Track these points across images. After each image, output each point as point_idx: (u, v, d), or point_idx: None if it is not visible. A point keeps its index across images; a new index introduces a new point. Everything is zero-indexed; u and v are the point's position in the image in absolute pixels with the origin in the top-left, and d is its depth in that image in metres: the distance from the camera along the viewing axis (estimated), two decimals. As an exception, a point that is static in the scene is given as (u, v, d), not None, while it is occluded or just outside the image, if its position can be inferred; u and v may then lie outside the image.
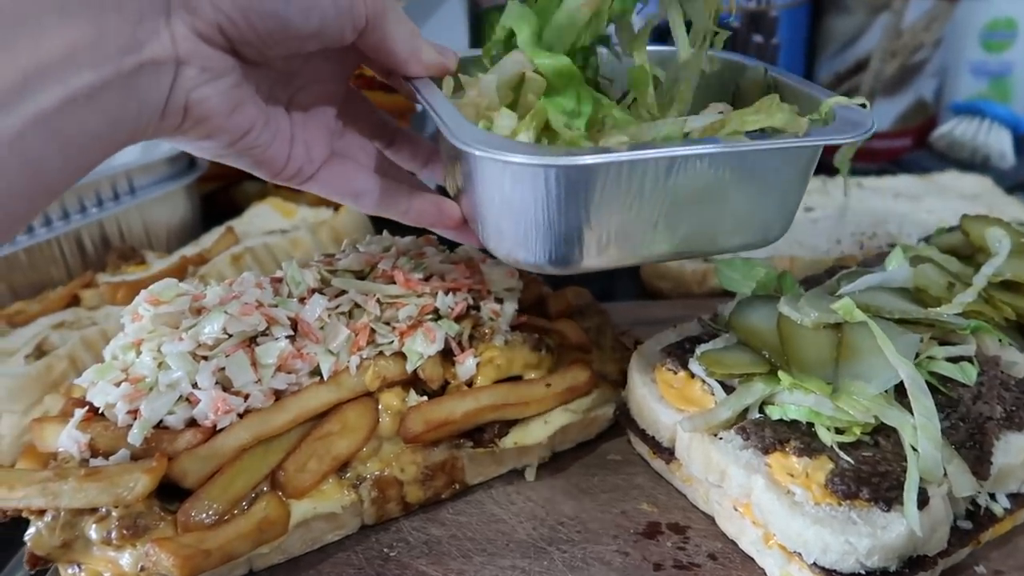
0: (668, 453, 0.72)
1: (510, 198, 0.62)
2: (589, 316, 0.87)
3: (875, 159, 1.55)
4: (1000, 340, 0.69)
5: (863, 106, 0.66)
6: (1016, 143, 1.50)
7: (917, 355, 0.66)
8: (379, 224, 1.31)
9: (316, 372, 0.71)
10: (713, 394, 0.70)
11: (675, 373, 0.73)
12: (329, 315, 0.73)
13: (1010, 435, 0.65)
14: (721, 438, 0.67)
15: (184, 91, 0.56)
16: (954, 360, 0.67)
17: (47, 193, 0.51)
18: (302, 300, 0.74)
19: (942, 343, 0.69)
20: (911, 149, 1.57)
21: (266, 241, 1.11)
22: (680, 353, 0.74)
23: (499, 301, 0.81)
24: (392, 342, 0.73)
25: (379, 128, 0.77)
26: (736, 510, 0.66)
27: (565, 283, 0.93)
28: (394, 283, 0.76)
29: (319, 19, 0.58)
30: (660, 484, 0.75)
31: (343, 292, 0.75)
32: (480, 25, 1.58)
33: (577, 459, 0.79)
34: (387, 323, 0.75)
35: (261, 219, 1.27)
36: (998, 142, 1.46)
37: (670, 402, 0.72)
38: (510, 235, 0.64)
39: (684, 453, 0.69)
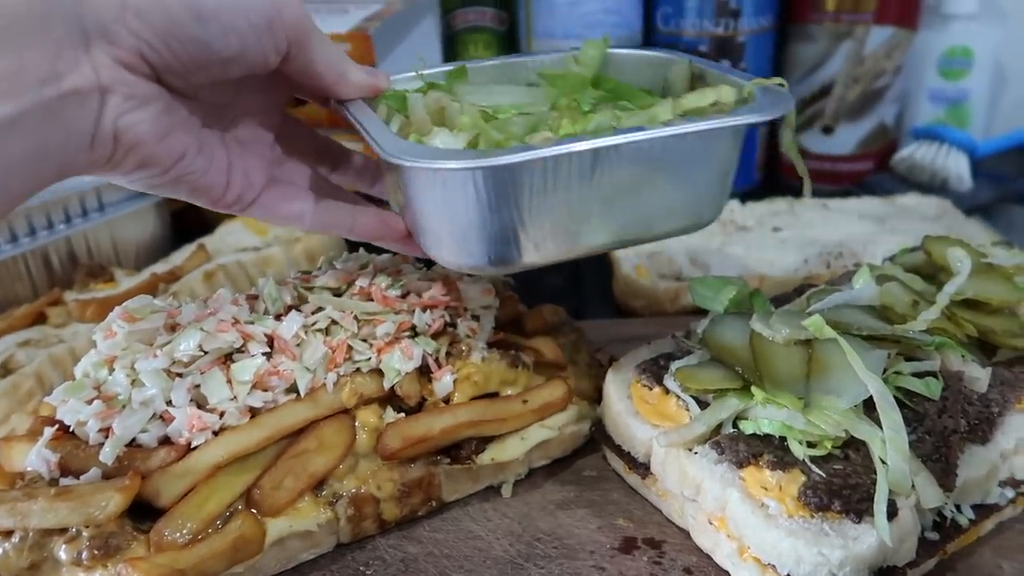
0: (643, 468, 0.73)
1: (443, 204, 0.63)
2: (564, 333, 0.88)
3: (839, 181, 1.59)
4: (963, 356, 0.71)
5: (781, 85, 0.68)
6: (973, 167, 1.55)
7: (884, 370, 0.68)
8: (353, 242, 1.31)
9: (293, 389, 0.71)
10: (688, 409, 0.71)
11: (650, 389, 0.74)
12: (306, 332, 0.73)
13: (974, 448, 0.67)
14: (696, 452, 0.68)
15: (111, 119, 0.56)
16: (920, 375, 0.69)
17: None
18: (279, 317, 0.74)
19: (908, 359, 0.71)
20: (873, 172, 1.61)
21: (239, 258, 1.11)
22: (655, 369, 0.76)
23: (476, 318, 0.81)
24: (369, 359, 0.73)
25: (322, 153, 0.78)
26: (711, 524, 0.67)
27: (540, 300, 0.94)
28: (371, 300, 0.76)
29: (238, 42, 0.59)
30: (635, 499, 0.76)
31: (320, 309, 0.75)
32: (453, 47, 1.60)
33: (553, 475, 0.80)
34: (364, 340, 0.75)
35: (233, 236, 1.26)
36: (956, 166, 1.51)
37: (645, 418, 0.73)
38: (448, 241, 0.66)
39: (659, 468, 0.70)
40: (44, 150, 0.52)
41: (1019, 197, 1.57)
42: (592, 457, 0.82)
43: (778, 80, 0.68)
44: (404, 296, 0.78)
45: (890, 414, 0.62)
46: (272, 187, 0.71)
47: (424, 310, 0.77)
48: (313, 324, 0.74)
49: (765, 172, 1.63)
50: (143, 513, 0.64)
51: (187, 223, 1.47)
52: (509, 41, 1.60)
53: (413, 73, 0.78)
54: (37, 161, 0.53)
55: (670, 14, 1.50)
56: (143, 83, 0.57)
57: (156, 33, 0.55)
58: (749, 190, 1.54)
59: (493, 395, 0.78)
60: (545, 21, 1.51)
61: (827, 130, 1.59)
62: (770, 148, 1.62)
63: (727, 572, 0.66)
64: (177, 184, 0.63)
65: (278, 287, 0.76)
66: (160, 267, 1.14)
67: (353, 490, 0.70)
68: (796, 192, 1.39)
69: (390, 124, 0.70)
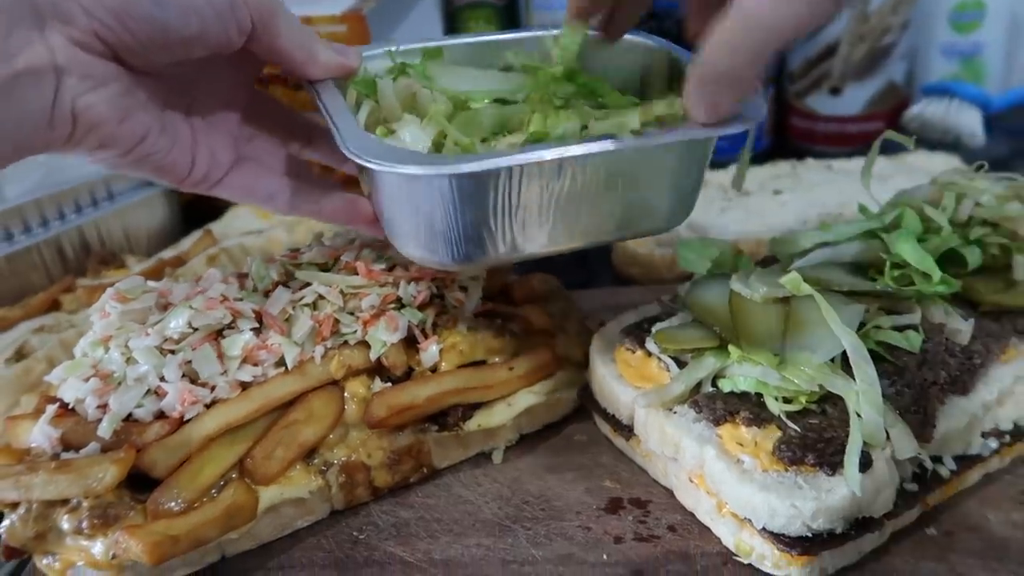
0: (628, 430, 0.74)
1: (406, 205, 0.63)
2: (554, 301, 0.89)
3: (849, 143, 1.57)
4: (945, 309, 0.70)
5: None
6: (987, 122, 1.51)
7: (864, 325, 0.68)
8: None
9: (281, 363, 0.73)
10: (669, 371, 0.71)
11: (633, 352, 0.75)
12: (293, 307, 0.75)
13: (955, 399, 0.67)
14: (676, 412, 0.69)
15: (69, 99, 0.56)
16: (900, 329, 0.68)
17: None
18: (266, 293, 0.76)
19: (889, 313, 0.70)
20: (883, 131, 1.58)
21: (242, 241, 1.13)
22: (638, 333, 0.76)
23: (463, 289, 0.82)
24: (356, 331, 0.75)
25: (293, 129, 0.76)
26: (691, 481, 0.67)
27: (532, 269, 0.95)
28: (357, 274, 0.78)
29: (198, 23, 0.58)
30: (623, 462, 0.77)
31: (307, 284, 0.77)
32: (454, 23, 1.60)
33: (543, 441, 0.81)
34: (351, 313, 0.76)
35: (240, 221, 1.29)
36: (968, 122, 1.48)
37: (628, 380, 0.74)
38: (412, 238, 0.65)
39: (642, 429, 0.71)
40: (1, 130, 0.53)
41: (1036, 151, 1.53)
42: (583, 423, 0.83)
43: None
44: (391, 269, 0.80)
45: (863, 368, 0.62)
46: (240, 166, 0.70)
47: (410, 282, 0.79)
48: (300, 299, 0.76)
49: (773, 136, 1.61)
50: (141, 484, 0.66)
51: (198, 210, 1.50)
52: (509, 15, 1.60)
53: (385, 49, 0.77)
54: None
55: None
56: (100, 63, 0.57)
57: (111, 13, 0.55)
58: (756, 154, 1.52)
59: (480, 363, 0.79)
60: (543, 7, 1.50)
61: (834, 91, 1.56)
62: (778, 111, 1.60)
63: (709, 528, 0.67)
64: (140, 163, 0.63)
65: (266, 264, 0.78)
66: (169, 253, 1.17)
67: (344, 458, 0.72)
68: (804, 155, 1.38)
69: (360, 109, 0.69)
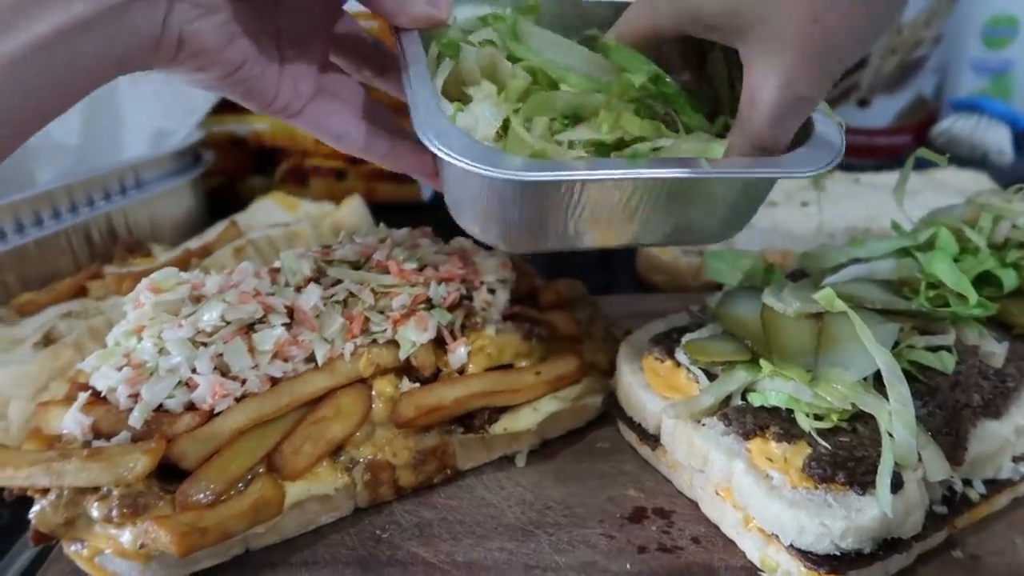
0: (654, 440, 0.74)
1: (468, 190, 0.65)
2: (580, 307, 0.89)
3: (875, 156, 1.56)
4: (980, 331, 0.70)
5: (840, 124, 0.66)
6: (1016, 139, 1.50)
7: (897, 344, 0.68)
8: (380, 217, 1.33)
9: (311, 359, 0.73)
10: (698, 382, 0.71)
11: (662, 362, 0.74)
12: (324, 304, 0.75)
13: (987, 423, 0.66)
14: (704, 424, 0.69)
15: (178, 25, 0.57)
16: (933, 349, 0.68)
17: (37, 118, 0.53)
18: (298, 289, 0.77)
19: (923, 333, 0.70)
20: (911, 145, 1.58)
21: (268, 233, 1.14)
22: (667, 342, 0.76)
23: (492, 291, 0.82)
24: (386, 330, 0.75)
25: (370, 55, 0.76)
26: (718, 494, 0.67)
27: (563, 275, 0.95)
28: (388, 273, 0.78)
29: None
30: (647, 471, 0.77)
31: (339, 281, 0.77)
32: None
33: (567, 446, 0.81)
34: (381, 312, 0.77)
35: (264, 213, 1.30)
36: (997, 138, 1.47)
37: (656, 390, 0.74)
38: (468, 214, 0.67)
39: (669, 439, 0.71)
40: (110, 50, 0.54)
41: (1064, 170, 1.52)
42: (607, 429, 0.83)
43: (837, 119, 0.66)
44: (421, 269, 0.80)
45: (897, 387, 0.61)
46: (319, 99, 0.71)
47: (440, 283, 0.79)
48: (331, 296, 0.76)
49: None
50: (170, 475, 0.67)
51: (222, 200, 1.51)
52: None
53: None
54: (101, 60, 0.54)
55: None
56: None
57: None
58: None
59: (507, 367, 0.80)
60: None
61: (863, 103, 1.56)
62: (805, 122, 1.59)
63: (733, 542, 0.67)
64: (233, 87, 0.64)
65: (298, 260, 0.79)
66: (194, 243, 1.18)
67: (370, 457, 0.72)
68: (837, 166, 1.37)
69: (440, 66, 0.68)
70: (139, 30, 0.55)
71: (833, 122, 0.65)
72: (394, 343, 0.75)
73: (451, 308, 0.79)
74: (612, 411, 0.79)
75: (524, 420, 0.78)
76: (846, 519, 0.59)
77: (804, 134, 0.64)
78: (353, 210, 1.23)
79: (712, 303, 0.79)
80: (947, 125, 1.51)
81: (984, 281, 0.73)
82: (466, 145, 0.59)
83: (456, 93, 0.67)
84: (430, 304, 0.78)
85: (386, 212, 1.51)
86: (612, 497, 0.74)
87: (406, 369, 0.76)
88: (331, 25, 0.72)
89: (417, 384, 0.76)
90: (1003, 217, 0.77)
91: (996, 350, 0.69)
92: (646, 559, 0.67)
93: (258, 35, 0.64)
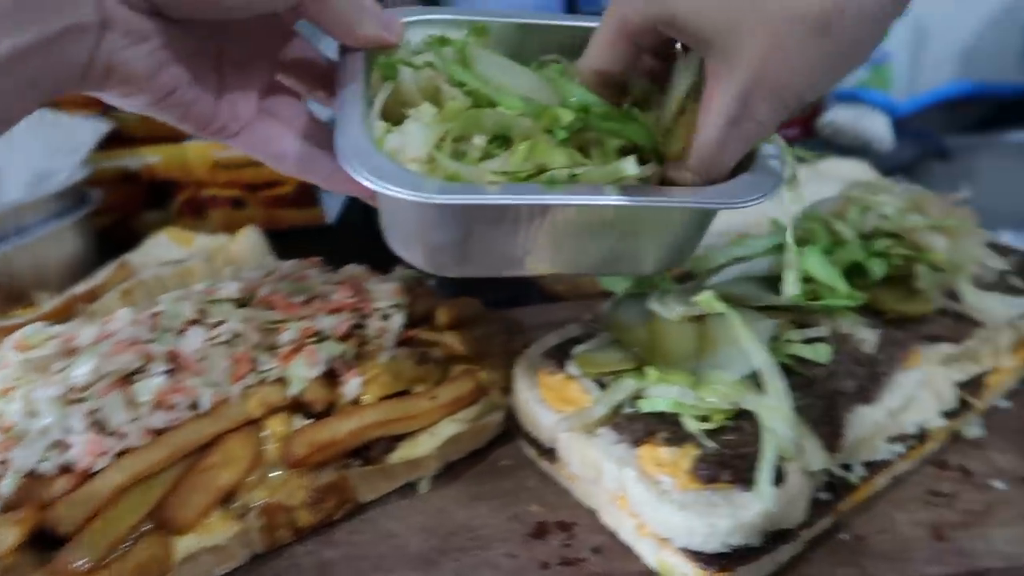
0: (552, 454, 0.74)
1: (390, 211, 0.65)
2: (479, 325, 0.89)
3: (766, 150, 1.61)
4: (853, 320, 0.73)
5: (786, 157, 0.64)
6: (895, 127, 1.57)
7: (776, 339, 0.70)
8: (283, 244, 1.31)
9: (197, 405, 0.71)
10: (590, 393, 0.72)
11: (554, 375, 0.75)
12: (209, 346, 0.73)
13: (862, 408, 0.69)
14: (597, 435, 0.69)
15: (106, 55, 0.55)
16: (810, 341, 0.70)
17: None
18: (180, 333, 0.74)
19: (801, 326, 0.72)
20: (800, 138, 1.63)
21: (159, 273, 1.10)
22: (560, 355, 0.77)
23: (386, 318, 0.82)
24: (273, 368, 0.74)
25: (324, 77, 0.73)
26: (614, 503, 0.68)
27: (465, 290, 0.94)
28: (274, 309, 0.76)
29: None
30: (549, 485, 0.77)
31: (223, 321, 0.75)
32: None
33: (470, 467, 0.81)
34: (270, 349, 0.75)
35: (159, 250, 1.25)
36: (876, 127, 1.54)
37: (551, 404, 0.74)
38: (395, 237, 0.67)
39: (565, 452, 0.72)
40: (37, 82, 0.52)
41: (941, 153, 1.61)
42: (510, 446, 0.83)
43: (782, 144, 0.64)
44: (309, 301, 0.79)
45: (774, 383, 0.63)
46: (259, 122, 0.68)
47: (329, 314, 0.77)
48: (215, 338, 0.74)
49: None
50: (50, 543, 0.64)
51: (115, 239, 1.45)
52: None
53: (430, 17, 0.72)
54: (26, 92, 0.52)
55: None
56: (142, 19, 0.56)
57: None
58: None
59: (405, 393, 0.79)
60: (462, 6, 1.50)
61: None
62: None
63: (632, 549, 0.68)
64: (165, 112, 0.62)
65: (178, 303, 0.76)
66: (81, 287, 1.13)
67: (264, 501, 0.70)
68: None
69: (381, 89, 0.67)
70: (68, 60, 0.53)
71: (778, 149, 0.64)
72: (284, 381, 0.74)
73: (343, 339, 0.78)
74: (512, 428, 0.80)
75: (422, 446, 0.77)
76: (732, 517, 0.60)
77: (748, 161, 0.63)
78: (248, 241, 1.19)
79: (605, 312, 0.80)
80: (831, 117, 1.57)
81: (855, 271, 0.76)
82: (382, 166, 0.58)
83: (397, 115, 0.66)
84: (320, 337, 0.77)
85: (290, 239, 1.48)
86: (515, 515, 0.74)
87: (298, 406, 0.75)
88: (278, 48, 0.70)
89: (311, 420, 0.74)
90: (870, 208, 0.80)
91: (868, 337, 0.72)
92: (549, 575, 0.67)
93: (194, 60, 0.62)
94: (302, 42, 0.73)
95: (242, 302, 0.79)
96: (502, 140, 0.66)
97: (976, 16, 1.75)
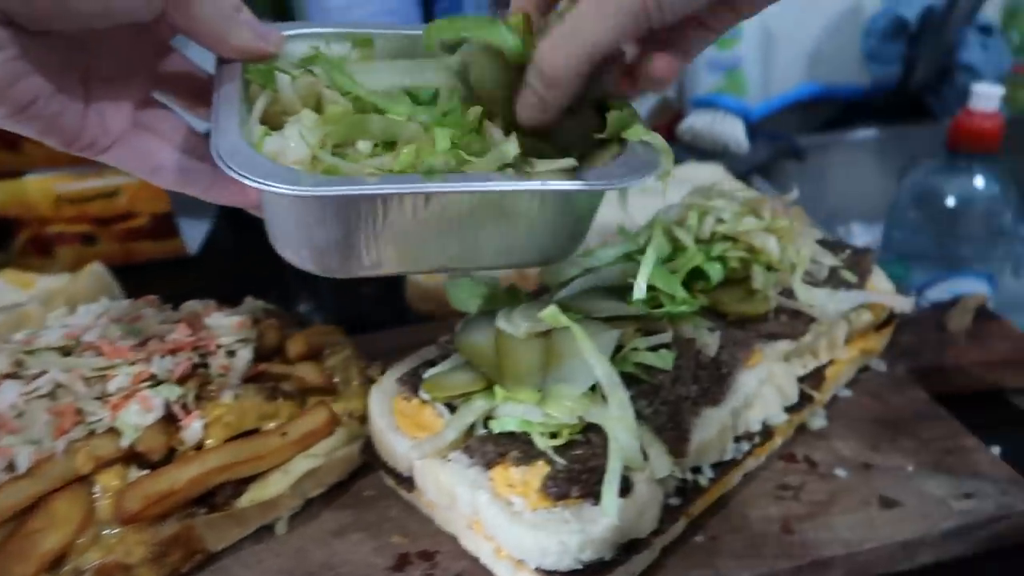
0: (409, 482, 0.72)
1: (273, 212, 0.62)
2: (334, 354, 0.86)
3: (632, 157, 1.65)
4: (695, 324, 0.74)
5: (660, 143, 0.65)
6: (749, 130, 1.64)
7: (622, 348, 0.70)
8: (140, 279, 1.23)
9: (14, 466, 0.65)
10: (444, 418, 0.71)
11: (408, 401, 0.73)
12: (26, 400, 0.68)
13: (707, 411, 0.71)
14: (450, 460, 0.68)
15: None
16: (655, 348, 0.72)
17: None
18: (-6, 388, 0.68)
19: (646, 334, 0.73)
20: (663, 144, 1.68)
21: (-12, 321, 1.01)
22: (414, 380, 0.75)
23: (231, 354, 0.78)
24: (103, 418, 0.69)
25: (200, 92, 0.70)
26: (471, 528, 0.67)
27: (311, 321, 0.92)
28: (102, 355, 0.71)
29: (103, 2, 0.55)
30: (412, 514, 0.75)
31: (44, 372, 0.70)
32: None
33: (331, 502, 0.78)
34: (99, 398, 0.70)
35: (-2, 294, 1.16)
36: (732, 131, 1.60)
37: (405, 431, 0.73)
38: (280, 240, 0.64)
39: (421, 480, 0.70)
40: None
41: (795, 153, 1.69)
42: (373, 476, 0.80)
43: (658, 142, 0.65)
44: (143, 344, 0.74)
45: (615, 393, 0.64)
46: (132, 136, 0.65)
47: (165, 355, 0.73)
48: (34, 391, 0.68)
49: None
50: None
51: (-52, 285, 1.34)
52: None
53: (313, 30, 0.71)
54: None
55: (447, 10, 1.50)
56: None
57: None
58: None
59: (255, 432, 0.75)
60: (318, 27, 1.47)
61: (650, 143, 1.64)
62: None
63: (492, 573, 0.67)
64: (26, 124, 0.58)
65: (-10, 356, 0.70)
66: (-98, 342, 1.03)
67: (98, 562, 0.65)
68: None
69: (260, 97, 0.65)
70: None
71: (653, 141, 0.65)
72: (116, 431, 0.69)
73: (182, 380, 0.74)
74: (370, 458, 0.77)
75: (274, 486, 0.73)
76: (582, 532, 0.60)
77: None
78: (92, 279, 1.12)
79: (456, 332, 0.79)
80: (689, 122, 1.62)
81: (696, 276, 0.78)
82: (259, 163, 0.56)
83: (277, 124, 0.64)
84: (156, 381, 0.72)
85: (150, 273, 1.41)
86: (377, 548, 0.72)
87: (134, 456, 0.70)
88: (153, 63, 0.67)
89: (147, 471, 0.70)
90: (707, 213, 0.83)
91: (709, 340, 0.74)
92: (408, 609, 0.65)
93: (57, 72, 0.58)
94: (180, 57, 0.70)
95: (67, 350, 0.73)
96: (388, 146, 0.65)
97: (819, 22, 1.86)
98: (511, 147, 0.61)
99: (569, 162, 0.62)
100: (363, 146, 0.63)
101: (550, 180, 0.60)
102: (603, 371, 0.65)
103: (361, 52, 0.72)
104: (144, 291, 0.89)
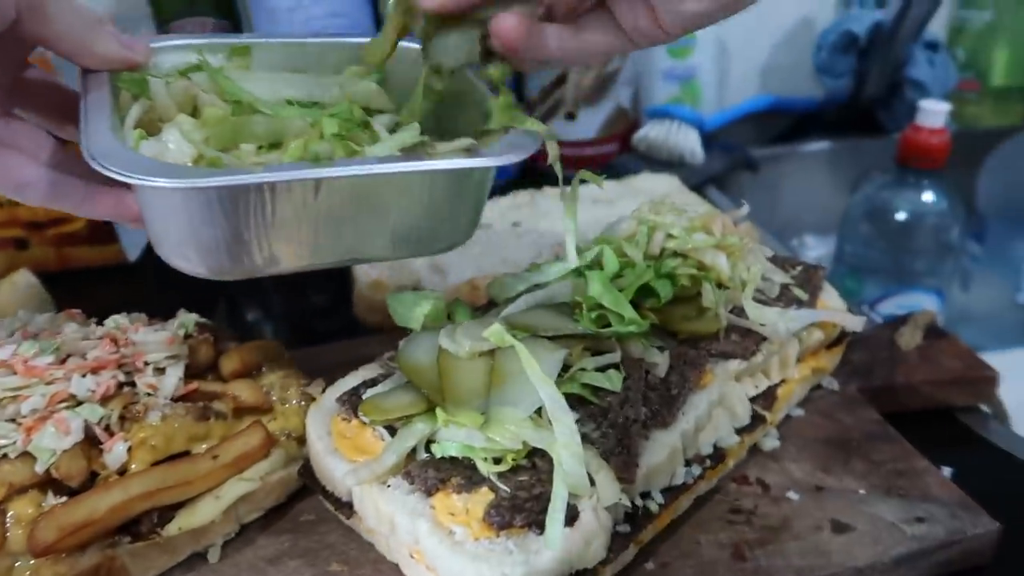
0: (348, 507, 0.69)
1: (155, 215, 0.60)
2: (272, 371, 0.82)
3: (588, 165, 1.63)
4: (642, 344, 0.72)
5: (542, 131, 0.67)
6: (705, 140, 1.64)
7: (569, 368, 0.68)
8: (75, 286, 1.18)
9: (-85, 495, 0.60)
10: (384, 440, 0.67)
11: (348, 422, 0.70)
12: (-70, 424, 0.63)
13: (657, 433, 0.69)
14: (390, 485, 0.65)
15: None
16: (603, 369, 0.69)
17: None
18: None
19: (595, 353, 0.71)
20: (618, 153, 1.67)
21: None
22: (355, 399, 0.72)
23: (160, 371, 0.74)
24: (15, 442, 0.64)
25: (66, 108, 0.68)
26: (413, 557, 0.64)
27: (256, 333, 0.88)
28: (15, 374, 0.67)
29: None
30: (352, 539, 0.72)
31: (-50, 393, 0.65)
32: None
33: (268, 527, 0.74)
34: (12, 420, 0.65)
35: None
36: (687, 142, 1.59)
37: (344, 454, 0.69)
38: (165, 242, 0.61)
39: (360, 506, 0.67)
40: None
41: (749, 164, 1.69)
42: (313, 499, 0.77)
43: (536, 126, 0.67)
44: (63, 361, 0.70)
45: (561, 418, 0.61)
46: None
47: (86, 374, 0.69)
48: (-62, 414, 0.63)
49: (524, 163, 1.65)
50: None
51: None
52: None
53: (187, 42, 0.70)
54: None
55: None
56: None
57: None
58: (502, 183, 1.54)
59: (185, 455, 0.71)
60: (265, 28, 1.43)
61: (570, 116, 1.63)
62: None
63: (434, 604, 0.64)
64: None
65: None
66: None
67: (8, 597, 0.61)
68: (538, 184, 1.40)
69: (133, 106, 0.64)
70: None
71: (531, 129, 0.67)
72: (30, 455, 0.64)
73: (105, 400, 0.69)
74: (308, 481, 0.74)
75: (204, 512, 0.69)
76: (526, 564, 0.57)
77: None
78: (18, 288, 1.06)
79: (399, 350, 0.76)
80: (645, 132, 1.62)
81: (646, 293, 0.76)
82: (135, 160, 0.55)
83: (154, 131, 0.62)
84: (76, 401, 0.68)
85: (84, 280, 1.35)
86: (313, 577, 0.68)
87: (51, 482, 0.65)
88: (10, 75, 0.65)
89: (66, 498, 0.65)
90: (657, 229, 0.81)
91: (659, 360, 0.72)
92: (343, 644, 0.62)
93: None
94: (39, 73, 0.68)
95: (-21, 368, 0.69)
96: (274, 147, 0.65)
97: (773, 35, 1.87)
98: (411, 132, 0.63)
99: (467, 142, 0.64)
100: (248, 148, 0.63)
101: (444, 159, 0.61)
102: (548, 394, 0.62)
103: (237, 61, 0.72)
104: (79, 301, 0.84)
